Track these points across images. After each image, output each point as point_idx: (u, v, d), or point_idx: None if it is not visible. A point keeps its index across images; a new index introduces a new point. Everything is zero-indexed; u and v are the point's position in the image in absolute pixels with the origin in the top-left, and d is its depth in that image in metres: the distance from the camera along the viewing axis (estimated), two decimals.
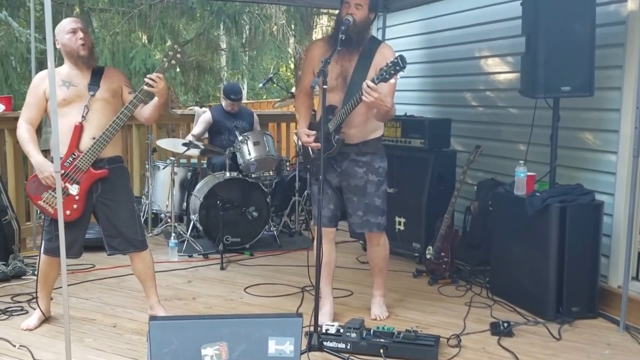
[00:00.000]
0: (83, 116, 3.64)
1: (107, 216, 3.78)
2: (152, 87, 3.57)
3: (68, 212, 3.59)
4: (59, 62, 3.65)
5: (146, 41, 10.64)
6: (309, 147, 3.96)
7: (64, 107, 3.61)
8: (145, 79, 3.59)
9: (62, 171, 3.53)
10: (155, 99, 3.72)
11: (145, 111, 3.79)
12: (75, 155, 3.62)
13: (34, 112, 3.70)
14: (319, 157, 3.82)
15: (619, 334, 3.92)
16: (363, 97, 3.52)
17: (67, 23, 3.72)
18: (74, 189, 3.63)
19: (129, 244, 3.83)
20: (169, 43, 10.08)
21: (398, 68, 3.44)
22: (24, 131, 3.67)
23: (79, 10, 10.40)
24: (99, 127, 3.65)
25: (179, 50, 3.71)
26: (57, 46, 3.68)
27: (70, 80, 3.66)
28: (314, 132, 3.85)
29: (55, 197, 3.55)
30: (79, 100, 3.65)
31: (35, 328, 3.84)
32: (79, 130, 3.63)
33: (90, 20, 10.76)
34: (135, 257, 3.89)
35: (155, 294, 4.01)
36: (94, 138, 3.63)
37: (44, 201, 3.64)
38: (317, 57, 3.77)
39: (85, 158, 3.62)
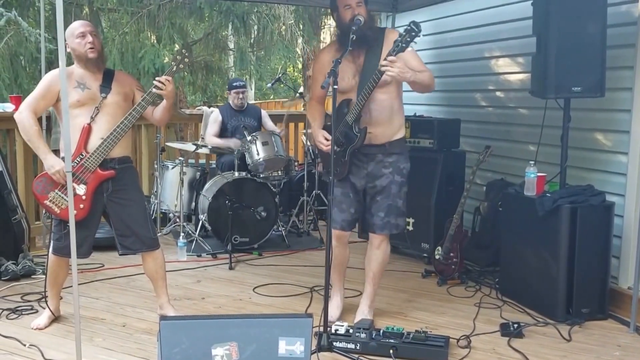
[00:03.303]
0: (92, 117, 3.66)
1: (119, 216, 3.79)
2: (161, 89, 3.62)
3: (75, 212, 3.56)
4: (69, 62, 3.67)
5: (155, 41, 10.65)
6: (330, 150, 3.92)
7: (77, 108, 3.64)
8: (154, 82, 3.64)
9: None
10: (164, 101, 3.77)
11: (156, 114, 3.86)
12: (82, 155, 3.64)
13: (41, 105, 3.70)
14: (341, 157, 3.83)
15: (629, 335, 3.91)
16: (387, 73, 3.50)
17: (76, 27, 3.73)
18: (80, 189, 3.64)
19: (142, 243, 3.84)
20: (177, 46, 10.08)
21: (414, 33, 3.44)
22: (33, 123, 3.64)
23: (88, 10, 10.42)
24: (107, 128, 3.67)
25: (187, 54, 3.76)
26: (68, 50, 3.69)
27: (84, 83, 3.69)
28: (329, 135, 3.78)
29: (62, 197, 3.59)
30: (91, 102, 3.68)
31: (45, 327, 3.85)
32: (87, 131, 3.65)
33: (99, 20, 10.78)
34: (148, 256, 3.90)
35: (166, 294, 4.02)
36: (102, 139, 3.65)
37: (50, 201, 3.64)
38: (327, 62, 3.71)
39: (93, 158, 3.64)
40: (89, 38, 3.70)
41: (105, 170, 3.69)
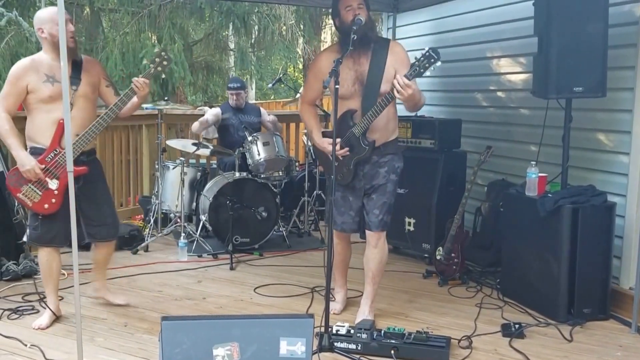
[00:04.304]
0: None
1: (92, 207, 3.90)
2: (139, 90, 3.71)
3: (46, 206, 3.72)
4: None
5: (156, 41, 10.65)
6: (330, 156, 3.91)
7: (49, 103, 3.66)
8: (133, 83, 3.71)
9: (43, 166, 3.66)
10: (135, 99, 3.81)
11: (123, 109, 3.86)
12: (57, 151, 3.71)
13: (11, 101, 3.71)
14: (345, 164, 3.85)
15: (630, 335, 3.90)
16: (397, 95, 3.52)
17: (56, 14, 3.66)
18: (53, 184, 3.71)
19: (109, 232, 4.02)
20: (177, 46, 10.08)
21: (433, 60, 3.48)
22: (4, 121, 3.68)
23: (89, 10, 10.43)
24: (81, 124, 3.73)
25: (165, 57, 3.78)
26: (42, 35, 3.70)
27: (54, 75, 3.67)
28: (338, 140, 3.77)
29: (34, 190, 3.69)
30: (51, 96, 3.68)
31: (47, 327, 3.85)
32: (62, 126, 3.63)
33: (100, 21, 10.78)
34: (108, 245, 4.07)
35: (105, 278, 4.23)
36: (77, 135, 3.68)
37: (23, 194, 3.71)
38: (326, 67, 3.71)
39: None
40: (70, 27, 3.71)
41: (78, 166, 3.69)
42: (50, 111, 3.68)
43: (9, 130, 3.68)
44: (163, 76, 9.97)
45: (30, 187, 3.69)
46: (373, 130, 3.80)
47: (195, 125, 6.26)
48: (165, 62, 3.77)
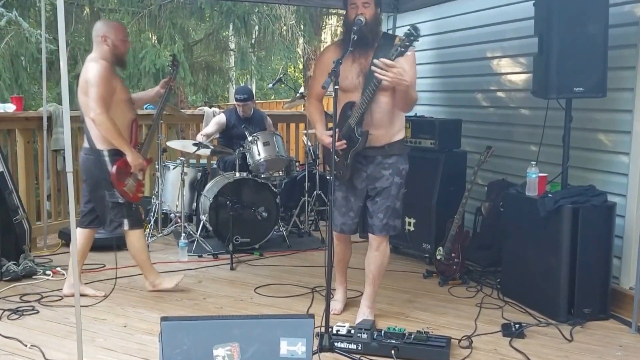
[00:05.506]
0: (136, 114, 4.32)
1: None
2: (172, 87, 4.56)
3: (140, 195, 4.37)
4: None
5: (156, 41, 10.63)
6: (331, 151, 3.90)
7: (122, 102, 4.13)
8: (171, 84, 4.56)
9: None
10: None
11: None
12: (139, 147, 4.30)
13: (108, 102, 4.04)
14: (344, 160, 3.82)
15: (631, 335, 3.91)
16: (381, 78, 3.46)
17: (120, 29, 4.21)
18: (140, 175, 4.30)
19: None
20: (177, 46, 10.06)
21: (412, 38, 3.38)
22: (113, 123, 4.03)
23: (89, 11, 10.42)
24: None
25: (178, 59, 4.79)
26: (104, 42, 4.07)
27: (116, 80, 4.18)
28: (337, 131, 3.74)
29: (132, 184, 4.24)
30: (128, 99, 4.24)
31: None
32: (137, 125, 4.30)
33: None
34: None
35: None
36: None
37: (127, 187, 4.21)
38: (330, 61, 3.66)
39: (145, 149, 4.36)
40: (129, 44, 4.35)
41: (148, 160, 4.40)
42: (124, 111, 4.17)
43: (118, 130, 4.05)
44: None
45: (130, 180, 4.22)
46: (377, 127, 3.76)
47: (199, 138, 6.22)
48: (177, 63, 4.77)
